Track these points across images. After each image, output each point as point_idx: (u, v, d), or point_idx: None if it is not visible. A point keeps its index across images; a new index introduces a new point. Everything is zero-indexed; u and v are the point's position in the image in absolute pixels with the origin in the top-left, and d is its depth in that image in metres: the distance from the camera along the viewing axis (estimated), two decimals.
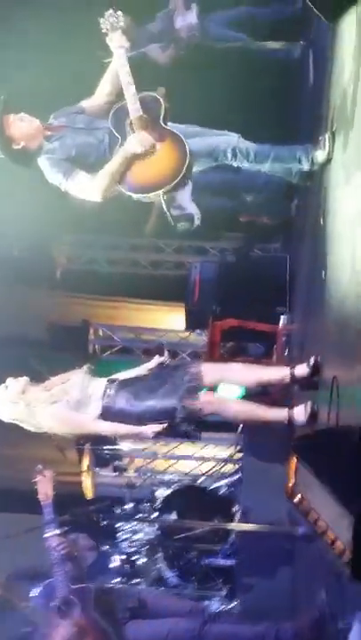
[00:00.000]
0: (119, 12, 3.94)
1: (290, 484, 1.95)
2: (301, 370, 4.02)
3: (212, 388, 4.30)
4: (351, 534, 1.59)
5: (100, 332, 7.96)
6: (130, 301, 8.15)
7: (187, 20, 5.87)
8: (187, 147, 3.98)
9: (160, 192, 3.98)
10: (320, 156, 3.91)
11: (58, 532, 4.86)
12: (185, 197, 4.51)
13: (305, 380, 4.01)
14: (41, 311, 7.84)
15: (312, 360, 3.99)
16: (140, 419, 4.13)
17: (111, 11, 3.92)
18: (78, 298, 8.15)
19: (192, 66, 5.92)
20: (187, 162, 3.97)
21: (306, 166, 4.01)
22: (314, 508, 1.83)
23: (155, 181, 4.00)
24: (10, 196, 5.84)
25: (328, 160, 3.88)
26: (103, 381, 4.26)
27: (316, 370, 3.94)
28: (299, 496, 1.93)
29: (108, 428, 4.18)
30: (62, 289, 8.16)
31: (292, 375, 4.05)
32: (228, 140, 4.11)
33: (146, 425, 4.10)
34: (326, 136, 3.86)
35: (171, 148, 4.01)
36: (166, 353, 4.56)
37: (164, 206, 4.09)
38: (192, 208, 4.10)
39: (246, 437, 6.30)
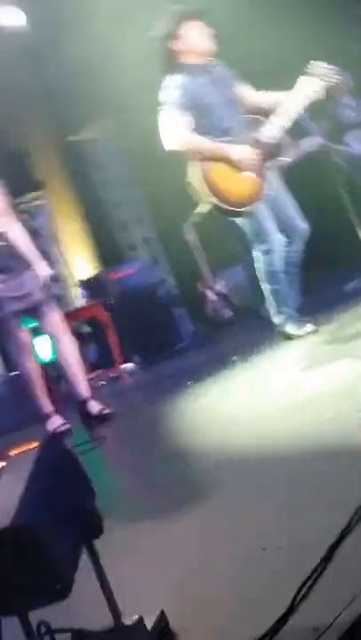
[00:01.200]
0: (336, 70, 3.86)
1: None
2: None
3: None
4: None
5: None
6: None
7: (315, 141, 5.70)
8: (261, 199, 3.93)
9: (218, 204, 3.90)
10: (294, 332, 3.96)
11: None
12: None
13: None
14: None
15: None
16: None
17: (325, 63, 3.86)
18: None
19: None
20: (249, 206, 3.90)
21: (288, 330, 4.03)
22: None
23: (225, 194, 3.89)
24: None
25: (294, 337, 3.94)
26: None
27: None
28: None
29: None
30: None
31: None
32: (276, 247, 4.00)
33: None
34: (310, 326, 3.93)
35: (255, 186, 3.94)
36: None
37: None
38: None
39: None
